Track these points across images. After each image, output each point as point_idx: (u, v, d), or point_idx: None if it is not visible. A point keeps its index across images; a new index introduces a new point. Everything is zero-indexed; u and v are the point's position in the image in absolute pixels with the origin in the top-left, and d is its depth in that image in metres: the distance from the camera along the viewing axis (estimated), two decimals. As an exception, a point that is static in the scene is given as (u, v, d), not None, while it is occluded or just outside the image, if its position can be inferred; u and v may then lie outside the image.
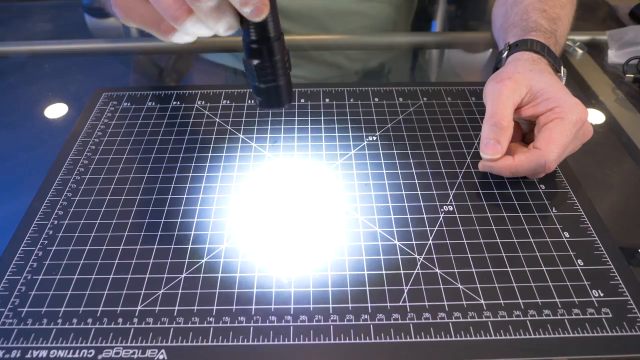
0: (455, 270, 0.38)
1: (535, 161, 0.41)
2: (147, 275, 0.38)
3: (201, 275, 0.38)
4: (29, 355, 0.33)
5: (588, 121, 0.42)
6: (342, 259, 0.39)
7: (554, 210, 0.43)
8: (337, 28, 0.72)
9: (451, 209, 0.43)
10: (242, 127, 0.52)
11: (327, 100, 0.56)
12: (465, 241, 0.40)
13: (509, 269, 0.38)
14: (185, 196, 0.45)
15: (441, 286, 0.37)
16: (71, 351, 0.34)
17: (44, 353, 0.34)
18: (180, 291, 0.37)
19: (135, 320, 0.35)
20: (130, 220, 0.43)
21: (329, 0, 0.69)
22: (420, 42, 0.73)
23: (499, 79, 0.44)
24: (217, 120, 0.53)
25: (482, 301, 0.36)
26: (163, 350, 0.34)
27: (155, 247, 0.40)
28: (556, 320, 0.35)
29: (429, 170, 0.47)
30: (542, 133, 0.41)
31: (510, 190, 0.45)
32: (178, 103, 0.56)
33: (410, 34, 0.78)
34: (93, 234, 0.41)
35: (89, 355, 0.33)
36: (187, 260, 0.39)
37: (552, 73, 0.46)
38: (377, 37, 0.71)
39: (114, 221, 0.42)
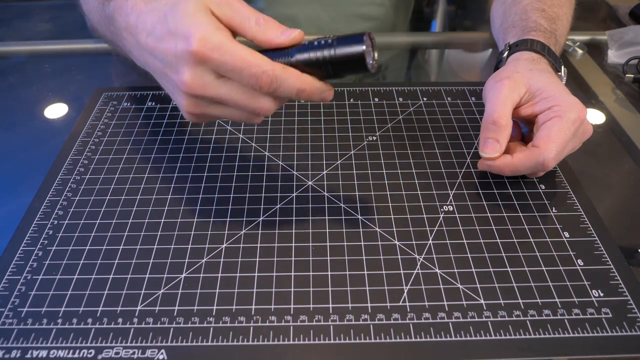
0: (455, 270, 0.38)
1: (534, 159, 0.41)
2: (147, 275, 0.38)
3: (201, 275, 0.38)
4: (28, 355, 0.33)
5: (587, 120, 0.42)
6: (342, 259, 0.39)
7: (554, 210, 0.43)
8: (340, 31, 0.72)
9: (451, 209, 0.43)
10: (242, 127, 0.52)
11: (327, 100, 0.56)
12: (465, 241, 0.41)
13: (508, 269, 0.38)
14: (185, 196, 0.45)
15: (441, 286, 0.37)
16: (71, 351, 0.34)
17: (44, 353, 0.34)
18: (180, 291, 0.37)
19: (135, 320, 0.35)
20: (130, 220, 0.43)
21: (331, 5, 0.69)
22: (420, 42, 0.73)
23: (498, 78, 0.44)
24: (217, 120, 0.53)
25: (482, 301, 0.36)
26: (163, 350, 0.34)
27: (155, 247, 0.40)
28: (556, 320, 0.35)
29: (429, 170, 0.47)
30: (540, 132, 0.41)
31: (510, 190, 0.45)
32: (178, 103, 0.56)
33: (409, 34, 0.78)
34: (93, 234, 0.41)
35: (89, 355, 0.33)
36: (187, 260, 0.39)
37: (552, 72, 0.46)
38: (377, 37, 0.71)
39: (114, 221, 0.42)
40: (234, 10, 0.35)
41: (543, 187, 0.45)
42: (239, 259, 0.39)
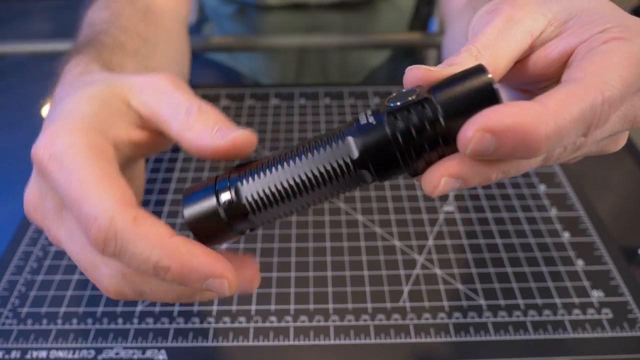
0: (455, 271, 0.38)
1: (584, 98, 0.19)
2: (147, 276, 0.38)
3: (201, 275, 0.38)
4: (28, 356, 0.33)
5: None
6: (342, 259, 0.39)
7: (554, 210, 0.43)
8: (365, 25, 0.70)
9: (451, 209, 0.43)
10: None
11: (327, 100, 0.56)
12: (465, 241, 0.40)
13: (509, 270, 0.38)
14: (185, 196, 0.45)
15: (441, 286, 0.37)
16: (71, 351, 0.34)
17: (43, 353, 0.34)
18: (180, 291, 0.37)
19: (135, 320, 0.35)
20: (130, 221, 0.42)
21: None
22: (419, 42, 0.73)
23: (492, 7, 0.24)
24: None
25: (482, 302, 0.36)
26: (163, 351, 0.34)
27: (155, 247, 0.40)
28: (556, 320, 0.35)
29: (429, 171, 0.47)
30: (590, 57, 0.21)
31: (510, 191, 0.45)
32: (178, 103, 0.56)
33: (409, 34, 0.78)
34: (93, 234, 0.41)
35: (89, 356, 0.33)
36: (187, 260, 0.39)
37: None
38: (376, 37, 0.71)
39: (114, 221, 0.42)
40: (162, 96, 0.24)
41: (543, 187, 0.45)
42: (239, 259, 0.39)
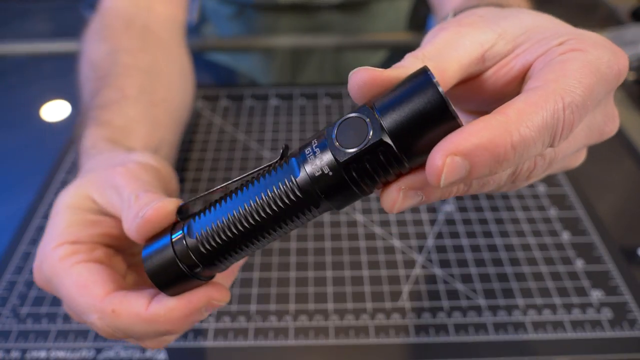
0: (455, 271, 0.38)
1: (544, 105, 0.19)
2: (147, 276, 0.38)
3: (201, 275, 0.38)
4: (28, 356, 0.33)
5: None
6: (342, 259, 0.39)
7: (554, 210, 0.43)
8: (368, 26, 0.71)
9: (451, 209, 0.43)
10: (242, 127, 0.52)
11: (327, 100, 0.56)
12: (464, 241, 0.41)
13: (508, 270, 0.38)
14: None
15: (440, 286, 0.37)
16: (71, 351, 0.34)
17: (43, 353, 0.34)
18: (180, 291, 0.37)
19: (135, 320, 0.35)
20: (130, 221, 0.42)
21: None
22: (417, 43, 0.73)
23: (439, 27, 0.24)
24: (217, 120, 0.53)
25: (482, 301, 0.36)
26: (163, 351, 0.34)
27: (155, 247, 0.40)
28: (556, 320, 0.35)
29: (428, 171, 0.47)
30: (548, 67, 0.21)
31: (510, 191, 0.45)
32: (178, 103, 0.56)
33: (406, 34, 0.78)
34: (93, 234, 0.41)
35: (89, 356, 0.33)
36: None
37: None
38: (373, 37, 0.71)
39: (114, 221, 0.42)
40: (117, 192, 0.28)
41: (543, 187, 0.45)
42: (239, 259, 0.39)
